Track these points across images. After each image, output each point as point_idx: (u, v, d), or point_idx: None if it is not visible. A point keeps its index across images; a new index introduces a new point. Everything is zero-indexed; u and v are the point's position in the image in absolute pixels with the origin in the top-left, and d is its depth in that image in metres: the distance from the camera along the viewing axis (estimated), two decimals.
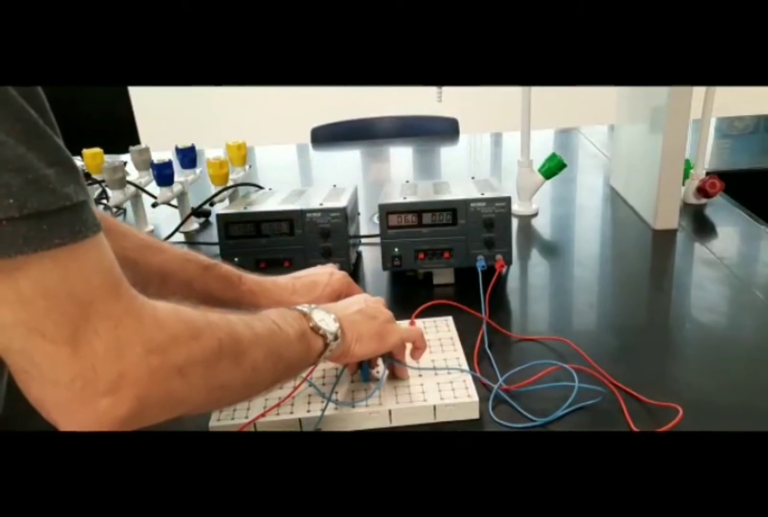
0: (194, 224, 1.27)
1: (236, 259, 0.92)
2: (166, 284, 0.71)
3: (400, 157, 1.80)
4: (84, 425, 0.44)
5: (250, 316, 0.57)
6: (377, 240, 0.96)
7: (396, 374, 0.71)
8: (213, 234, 1.18)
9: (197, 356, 0.48)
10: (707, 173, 1.23)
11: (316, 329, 0.60)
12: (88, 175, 1.25)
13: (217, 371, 0.50)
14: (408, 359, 0.73)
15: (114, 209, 1.29)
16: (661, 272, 1.04)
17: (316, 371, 0.74)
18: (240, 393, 0.55)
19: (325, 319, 0.61)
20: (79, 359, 0.42)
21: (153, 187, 1.23)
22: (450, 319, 0.83)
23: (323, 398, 0.68)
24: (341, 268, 0.91)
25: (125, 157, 1.33)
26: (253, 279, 0.77)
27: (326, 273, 0.80)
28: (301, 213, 0.92)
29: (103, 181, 1.20)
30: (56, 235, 0.41)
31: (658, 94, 1.06)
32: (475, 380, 0.72)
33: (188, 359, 0.47)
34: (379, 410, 0.67)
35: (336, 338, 0.61)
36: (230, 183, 1.23)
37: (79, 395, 0.43)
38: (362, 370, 0.71)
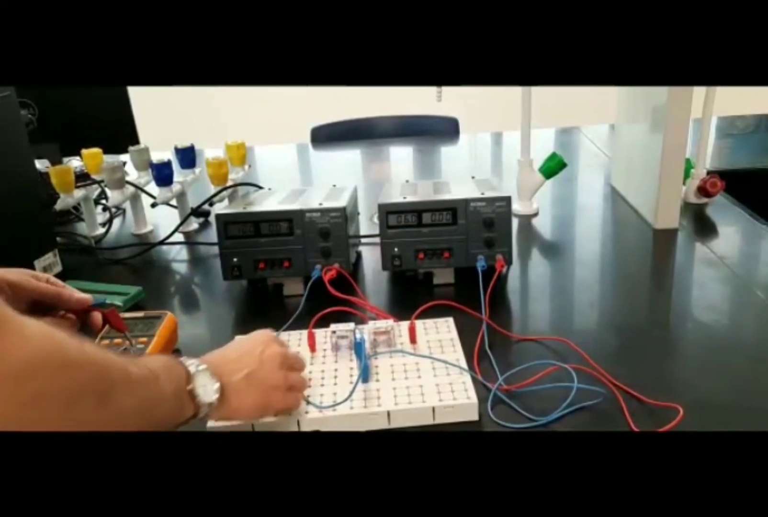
0: (193, 224, 1.27)
1: (235, 259, 0.92)
2: (17, 293, 0.65)
3: (400, 157, 1.80)
4: None
5: (132, 359, 0.54)
6: (377, 240, 0.95)
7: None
8: (212, 234, 1.18)
9: (59, 387, 0.44)
10: (708, 173, 1.23)
11: (192, 395, 0.56)
12: (87, 176, 1.25)
13: (78, 407, 0.46)
14: (409, 356, 0.74)
15: (113, 209, 1.29)
16: (662, 272, 1.04)
17: (313, 371, 0.74)
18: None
19: (207, 385, 0.57)
20: None
21: (152, 188, 1.23)
22: (450, 320, 0.83)
23: (306, 401, 0.68)
24: (341, 267, 0.92)
25: (124, 157, 1.34)
26: None
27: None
28: (301, 213, 0.92)
29: (102, 181, 1.20)
30: None
31: (658, 93, 1.06)
32: (475, 380, 0.71)
33: (48, 389, 0.43)
34: (378, 412, 0.67)
35: (210, 407, 0.58)
36: (230, 183, 1.23)
37: None
38: (362, 370, 0.71)
